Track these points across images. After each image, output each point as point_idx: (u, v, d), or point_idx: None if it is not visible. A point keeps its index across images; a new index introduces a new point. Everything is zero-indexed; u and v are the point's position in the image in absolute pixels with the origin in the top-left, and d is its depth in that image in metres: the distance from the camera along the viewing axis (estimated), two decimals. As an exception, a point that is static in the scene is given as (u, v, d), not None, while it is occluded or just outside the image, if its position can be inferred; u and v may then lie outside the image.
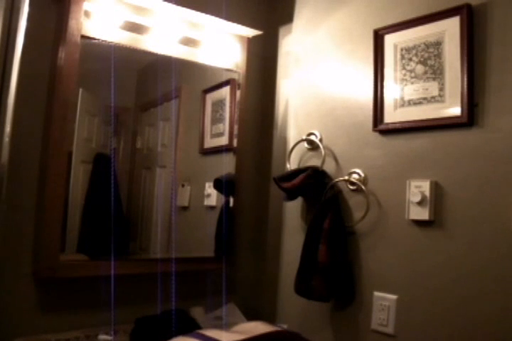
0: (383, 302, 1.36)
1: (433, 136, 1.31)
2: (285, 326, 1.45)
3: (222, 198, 1.69)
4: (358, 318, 1.43)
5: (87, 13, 1.38)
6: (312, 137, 1.63)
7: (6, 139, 1.26)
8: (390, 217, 1.39)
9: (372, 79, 1.45)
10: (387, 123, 1.41)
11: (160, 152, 1.61)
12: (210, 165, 1.73)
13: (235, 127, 1.71)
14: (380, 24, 1.44)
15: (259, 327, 1.20)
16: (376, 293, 1.39)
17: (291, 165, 1.68)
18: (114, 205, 1.40)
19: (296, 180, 1.52)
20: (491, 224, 1.17)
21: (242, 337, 1.11)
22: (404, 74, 1.38)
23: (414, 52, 1.36)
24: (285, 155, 1.73)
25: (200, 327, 1.43)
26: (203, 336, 1.14)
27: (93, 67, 1.42)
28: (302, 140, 1.65)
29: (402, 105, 1.38)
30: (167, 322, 1.35)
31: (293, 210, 1.69)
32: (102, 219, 1.41)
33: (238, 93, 1.72)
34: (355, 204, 1.48)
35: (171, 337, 1.14)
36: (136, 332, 1.36)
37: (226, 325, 1.24)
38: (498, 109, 1.18)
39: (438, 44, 1.30)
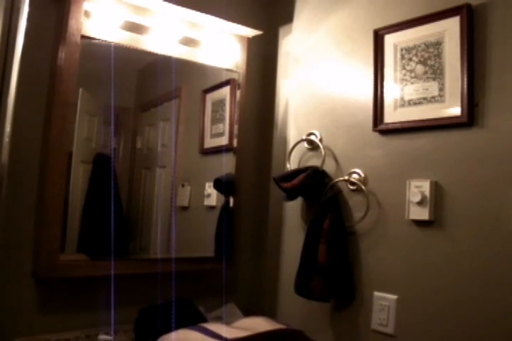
0: (383, 302, 1.36)
1: (433, 136, 1.31)
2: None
3: (222, 198, 1.69)
4: (358, 318, 1.43)
5: (87, 13, 1.38)
6: (312, 137, 1.63)
7: (6, 139, 1.26)
8: (390, 217, 1.39)
9: (372, 79, 1.45)
10: (387, 123, 1.41)
11: (160, 152, 1.61)
12: (210, 165, 1.73)
13: (235, 127, 1.71)
14: (380, 24, 1.44)
15: (262, 324, 1.20)
16: (376, 293, 1.39)
17: (291, 165, 1.68)
18: (114, 205, 1.40)
19: (296, 180, 1.52)
20: (491, 224, 1.17)
21: (246, 333, 1.11)
22: (404, 74, 1.38)
23: (414, 52, 1.36)
24: (285, 155, 1.73)
25: (204, 317, 1.42)
26: (205, 330, 1.13)
27: (93, 67, 1.42)
28: (302, 140, 1.65)
29: (402, 105, 1.38)
30: (171, 312, 1.34)
31: (293, 210, 1.69)
32: (102, 219, 1.41)
33: (238, 93, 1.72)
34: (355, 204, 1.48)
35: (175, 326, 1.14)
36: (140, 322, 1.35)
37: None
38: (498, 109, 1.18)
39: (438, 44, 1.30)
